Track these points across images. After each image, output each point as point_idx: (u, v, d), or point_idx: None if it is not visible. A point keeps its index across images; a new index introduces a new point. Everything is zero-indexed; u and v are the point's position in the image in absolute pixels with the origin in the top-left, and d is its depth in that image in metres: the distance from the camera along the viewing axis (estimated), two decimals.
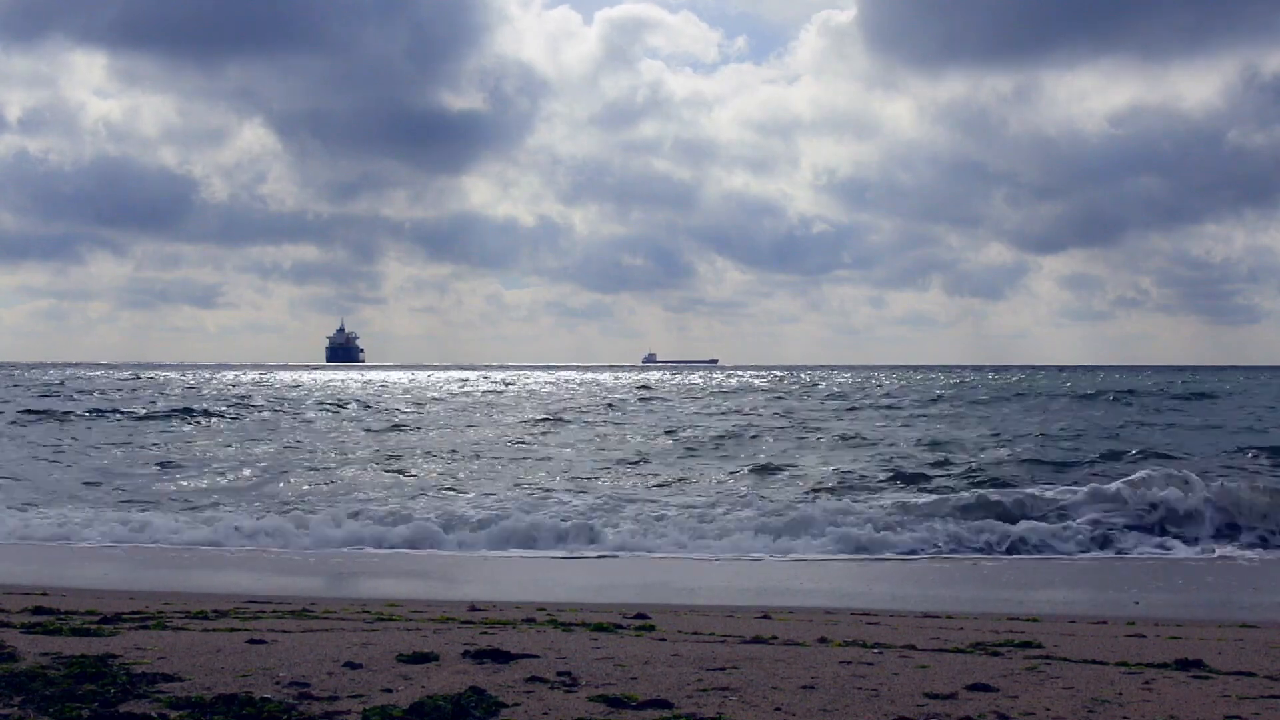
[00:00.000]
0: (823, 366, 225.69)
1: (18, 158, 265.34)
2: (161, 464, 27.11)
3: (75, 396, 59.05)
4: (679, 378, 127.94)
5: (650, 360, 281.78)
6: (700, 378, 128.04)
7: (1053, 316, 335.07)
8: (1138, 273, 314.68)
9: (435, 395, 71.03)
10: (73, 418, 42.29)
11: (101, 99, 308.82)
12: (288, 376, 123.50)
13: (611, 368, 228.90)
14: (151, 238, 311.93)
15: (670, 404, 58.07)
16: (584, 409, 52.49)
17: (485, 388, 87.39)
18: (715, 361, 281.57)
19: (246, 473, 25.27)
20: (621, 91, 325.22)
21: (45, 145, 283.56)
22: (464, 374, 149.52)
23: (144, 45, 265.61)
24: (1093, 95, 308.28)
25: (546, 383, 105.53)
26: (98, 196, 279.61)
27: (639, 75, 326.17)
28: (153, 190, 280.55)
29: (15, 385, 74.85)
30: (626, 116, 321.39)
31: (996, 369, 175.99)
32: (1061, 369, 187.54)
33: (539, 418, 45.51)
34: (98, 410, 45.79)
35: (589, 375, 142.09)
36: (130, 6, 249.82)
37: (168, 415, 43.71)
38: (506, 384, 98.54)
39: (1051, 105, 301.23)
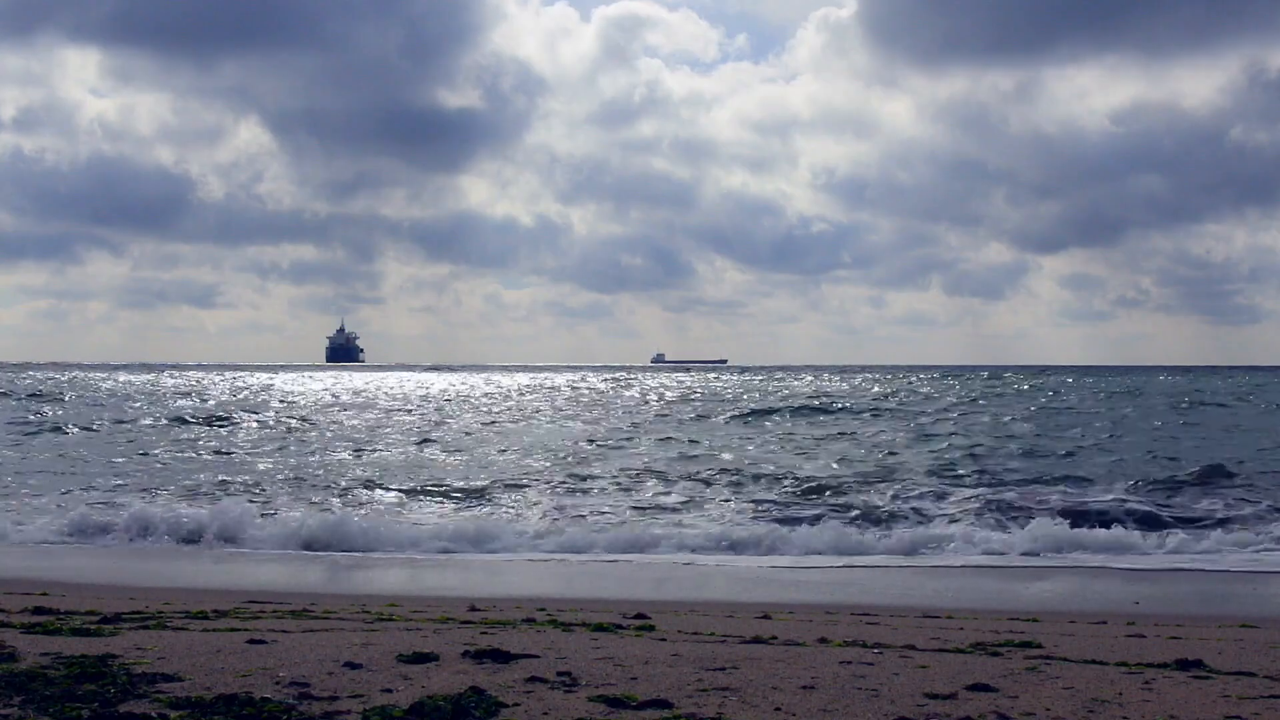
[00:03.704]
0: (848, 368, 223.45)
1: (13, 157, 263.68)
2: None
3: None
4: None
5: (659, 360, 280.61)
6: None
7: (1053, 316, 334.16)
8: (1138, 272, 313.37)
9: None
10: None
11: (96, 97, 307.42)
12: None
13: (624, 368, 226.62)
14: (149, 237, 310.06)
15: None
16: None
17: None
18: (724, 361, 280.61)
19: None
20: (620, 90, 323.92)
21: (40, 144, 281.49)
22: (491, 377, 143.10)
23: (137, 42, 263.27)
24: (1094, 93, 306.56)
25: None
26: (94, 196, 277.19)
27: (637, 73, 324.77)
28: (149, 189, 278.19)
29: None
30: (625, 115, 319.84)
31: (998, 369, 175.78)
32: (1063, 369, 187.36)
33: None
34: None
35: (671, 378, 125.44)
36: (123, 2, 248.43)
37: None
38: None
39: (1053, 103, 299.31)
